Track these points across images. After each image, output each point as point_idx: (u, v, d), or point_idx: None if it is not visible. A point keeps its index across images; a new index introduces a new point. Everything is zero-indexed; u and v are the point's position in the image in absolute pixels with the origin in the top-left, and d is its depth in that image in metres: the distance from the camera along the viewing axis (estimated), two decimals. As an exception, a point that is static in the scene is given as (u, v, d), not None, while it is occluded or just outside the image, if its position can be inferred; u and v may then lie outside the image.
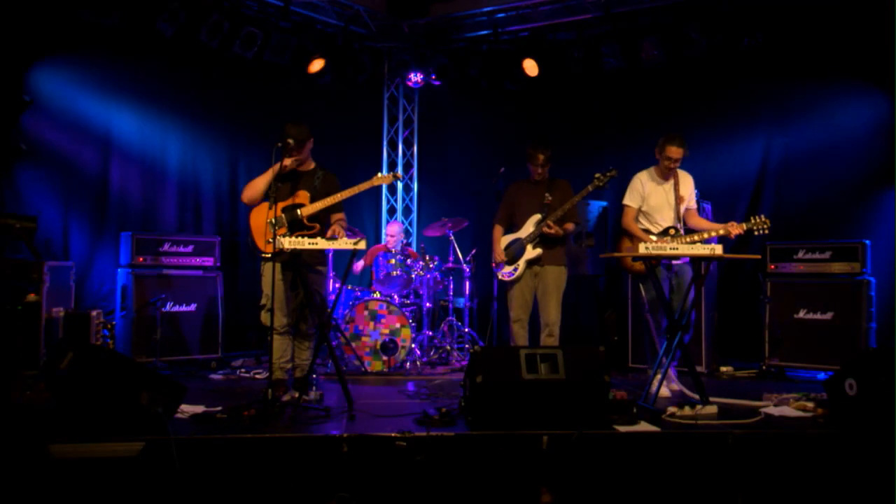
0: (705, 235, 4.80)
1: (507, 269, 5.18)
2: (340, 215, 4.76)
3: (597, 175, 4.92)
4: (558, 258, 5.12)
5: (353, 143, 8.05)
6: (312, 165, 4.74)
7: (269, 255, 4.29)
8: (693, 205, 5.09)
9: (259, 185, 4.58)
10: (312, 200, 4.59)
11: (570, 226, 5.12)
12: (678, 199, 4.96)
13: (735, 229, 4.69)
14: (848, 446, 3.61)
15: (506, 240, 5.27)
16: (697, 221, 5.03)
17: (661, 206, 5.00)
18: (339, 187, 4.71)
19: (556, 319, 5.06)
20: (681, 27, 6.51)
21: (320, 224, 4.65)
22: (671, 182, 5.00)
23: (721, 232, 4.74)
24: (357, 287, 6.56)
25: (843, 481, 3.53)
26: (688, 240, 4.82)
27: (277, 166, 4.45)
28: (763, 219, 4.67)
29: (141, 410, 3.45)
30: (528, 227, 5.13)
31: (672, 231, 4.91)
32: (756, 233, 4.69)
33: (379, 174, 4.65)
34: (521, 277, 5.13)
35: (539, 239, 5.07)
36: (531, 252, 5.08)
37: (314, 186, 4.62)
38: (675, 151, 4.89)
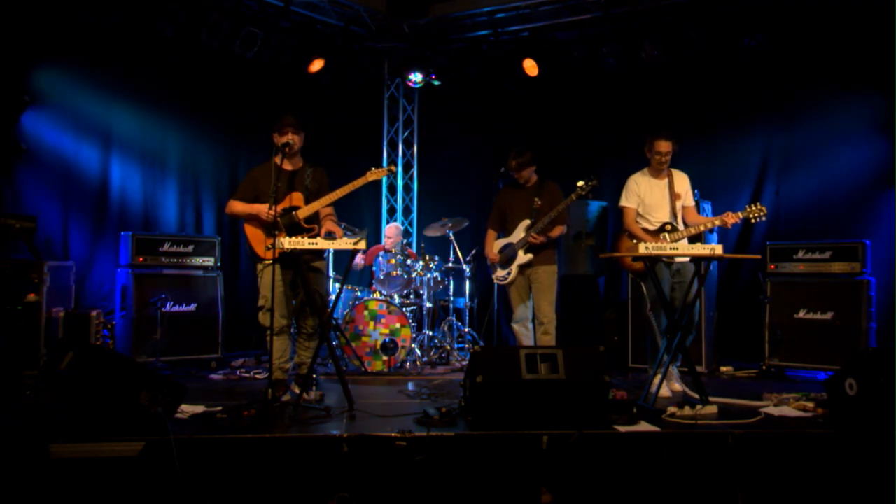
0: (701, 228, 4.82)
1: (501, 272, 5.29)
2: (329, 210, 4.74)
3: (579, 184, 4.97)
4: (549, 258, 5.21)
5: (353, 144, 8.04)
6: (301, 163, 4.74)
7: (270, 262, 4.27)
8: (691, 202, 5.12)
9: (238, 210, 4.62)
10: (307, 201, 4.58)
11: (557, 231, 5.17)
12: (673, 196, 4.98)
13: (731, 219, 4.69)
14: (848, 446, 3.61)
15: (498, 244, 5.37)
16: (695, 218, 5.07)
17: (658, 203, 5.03)
18: (328, 182, 4.72)
19: (552, 317, 5.12)
20: (681, 27, 6.51)
21: (316, 223, 4.65)
22: (665, 180, 5.04)
23: (717, 223, 4.75)
24: (357, 287, 6.56)
25: (843, 481, 3.53)
26: (684, 234, 4.84)
27: (256, 207, 4.49)
28: (759, 206, 4.66)
29: (141, 410, 3.44)
30: (520, 233, 5.21)
31: (668, 227, 4.93)
32: (752, 220, 4.68)
33: (372, 169, 4.63)
34: (515, 280, 5.21)
35: (530, 245, 5.12)
36: (523, 257, 5.17)
37: (306, 186, 4.62)
38: (663, 145, 4.92)
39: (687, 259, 4.90)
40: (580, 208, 6.44)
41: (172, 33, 6.20)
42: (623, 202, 5.10)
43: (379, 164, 8.35)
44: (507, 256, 5.25)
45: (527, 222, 5.19)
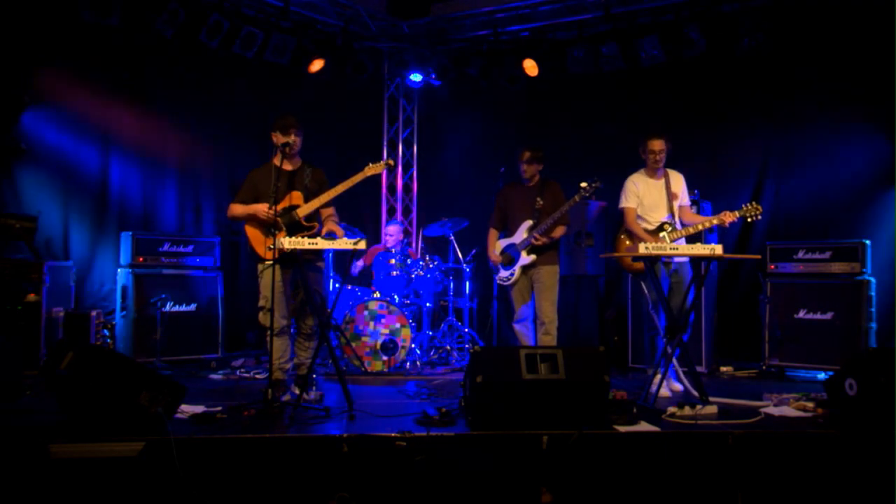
0: (699, 227, 4.85)
1: (504, 273, 5.28)
2: (330, 210, 4.74)
3: (583, 185, 4.97)
4: (551, 258, 5.21)
5: (353, 144, 8.04)
6: (300, 163, 4.74)
7: (271, 262, 4.28)
8: (686, 202, 5.16)
9: (238, 212, 4.63)
10: (306, 200, 4.58)
11: (559, 231, 5.17)
12: (671, 196, 5.01)
13: (728, 217, 4.73)
14: (848, 446, 3.61)
15: (500, 244, 5.36)
16: (692, 217, 5.11)
17: (656, 204, 5.06)
18: (327, 182, 4.71)
19: (553, 318, 5.11)
20: (681, 27, 6.50)
21: (316, 221, 4.65)
22: (662, 180, 5.07)
23: (715, 222, 4.79)
24: (357, 287, 6.56)
25: (843, 481, 3.53)
26: (682, 233, 4.85)
27: (254, 207, 4.50)
28: (755, 205, 4.70)
29: (141, 410, 3.44)
30: (522, 233, 5.21)
31: (667, 227, 4.95)
32: (749, 219, 4.72)
33: (370, 164, 4.63)
34: (517, 281, 5.20)
35: (532, 246, 5.12)
36: (526, 258, 5.17)
37: (305, 185, 4.62)
38: (655, 143, 4.97)
39: (685, 259, 4.92)
40: (580, 208, 6.44)
41: (172, 33, 6.20)
42: (623, 203, 5.11)
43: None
44: (510, 257, 5.26)
45: (529, 223, 5.18)
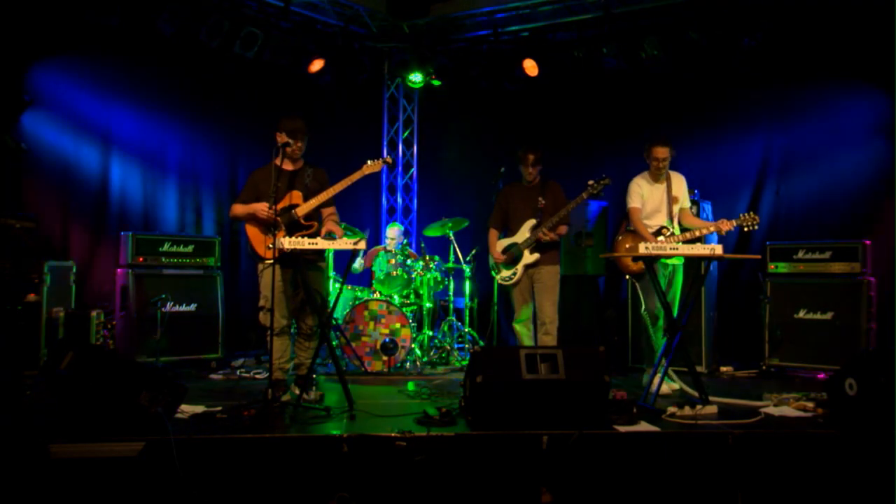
0: (696, 233, 4.89)
1: (506, 273, 5.27)
2: (331, 209, 4.74)
3: (590, 182, 4.98)
4: (552, 258, 5.21)
5: (353, 144, 8.03)
6: (302, 163, 4.74)
7: (271, 261, 4.28)
8: (687, 205, 5.18)
9: (238, 212, 4.64)
10: (306, 199, 4.59)
11: (563, 229, 5.17)
12: (671, 200, 5.04)
13: (725, 226, 4.78)
14: (848, 446, 3.61)
15: (502, 244, 5.35)
16: (691, 220, 5.14)
17: (656, 209, 5.09)
18: (328, 182, 4.71)
19: (553, 318, 5.11)
20: (681, 27, 6.51)
21: (316, 221, 4.65)
22: (664, 184, 5.08)
23: (712, 229, 4.82)
24: (357, 287, 6.56)
25: (843, 481, 3.53)
26: (679, 238, 4.87)
27: (254, 206, 4.50)
28: (752, 215, 4.73)
29: (141, 410, 3.45)
30: (525, 233, 5.20)
31: (665, 231, 4.97)
32: (745, 229, 4.77)
33: (368, 161, 4.63)
34: (519, 280, 5.20)
35: (535, 244, 5.11)
36: (529, 257, 5.15)
37: (305, 185, 4.62)
38: (661, 151, 4.98)
39: (681, 262, 4.94)
40: (580, 208, 6.42)
41: (172, 33, 6.20)
42: (631, 203, 5.13)
43: (378, 164, 8.37)
44: (512, 257, 5.25)
45: (532, 222, 5.18)
